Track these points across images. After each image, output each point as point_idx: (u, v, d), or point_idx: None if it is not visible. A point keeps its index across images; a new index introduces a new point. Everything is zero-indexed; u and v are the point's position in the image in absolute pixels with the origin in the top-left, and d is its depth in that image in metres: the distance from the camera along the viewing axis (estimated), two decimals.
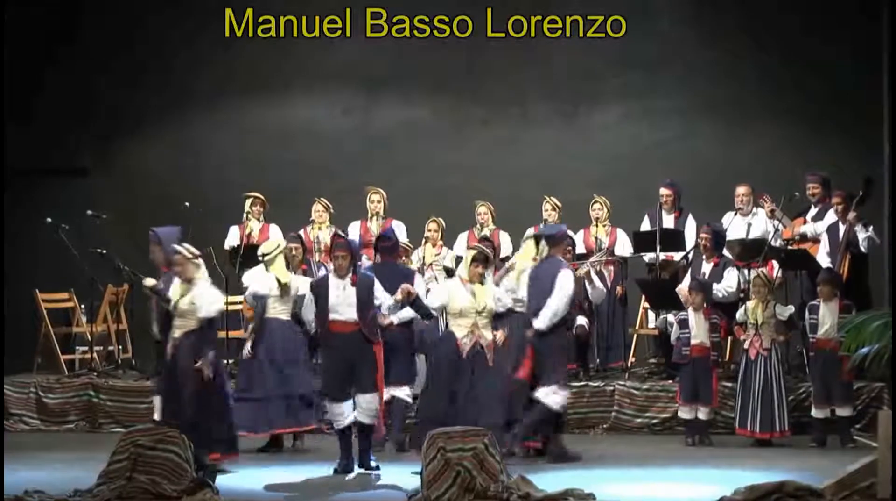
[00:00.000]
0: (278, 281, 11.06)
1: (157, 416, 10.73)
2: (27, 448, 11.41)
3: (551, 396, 10.67)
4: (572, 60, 14.95)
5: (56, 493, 9.07)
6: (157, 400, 10.83)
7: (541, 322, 10.66)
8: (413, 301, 10.32)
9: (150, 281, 10.58)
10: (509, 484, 8.85)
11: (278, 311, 11.12)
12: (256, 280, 11.21)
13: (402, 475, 9.98)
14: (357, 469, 10.31)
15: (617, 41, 14.59)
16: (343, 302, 10.21)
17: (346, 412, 10.29)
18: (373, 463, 10.34)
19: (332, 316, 10.23)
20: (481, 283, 10.40)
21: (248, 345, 11.10)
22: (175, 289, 10.28)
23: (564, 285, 10.72)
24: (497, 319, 10.52)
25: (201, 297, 10.18)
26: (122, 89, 15.11)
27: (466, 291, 10.36)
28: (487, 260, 10.53)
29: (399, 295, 10.25)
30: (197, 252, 10.39)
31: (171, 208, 13.47)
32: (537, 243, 11.06)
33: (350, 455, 10.34)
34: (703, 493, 9.06)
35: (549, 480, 9.36)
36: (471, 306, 10.31)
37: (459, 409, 10.08)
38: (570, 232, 12.96)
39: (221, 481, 9.51)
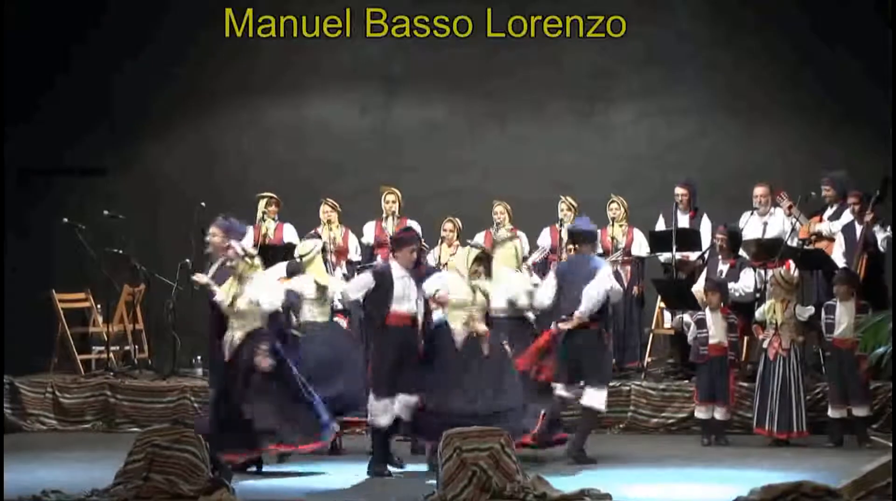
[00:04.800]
0: (316, 283, 10.95)
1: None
2: (44, 448, 11.44)
3: (597, 396, 10.78)
4: (588, 59, 14.92)
5: (73, 493, 9.09)
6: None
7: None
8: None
9: (200, 278, 10.15)
10: (525, 484, 8.84)
11: (315, 314, 10.98)
12: (294, 281, 10.90)
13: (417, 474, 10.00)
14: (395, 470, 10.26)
15: (632, 40, 14.56)
16: (405, 296, 10.20)
17: (390, 410, 10.12)
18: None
19: (394, 308, 10.16)
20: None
21: None
22: (227, 288, 9.98)
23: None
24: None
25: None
26: (139, 89, 15.10)
27: (467, 285, 10.29)
28: (489, 260, 10.53)
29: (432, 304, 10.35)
30: (253, 252, 10.26)
31: (187, 208, 13.53)
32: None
33: (385, 457, 10.21)
34: (720, 493, 9.04)
35: (564, 480, 9.36)
36: (469, 299, 10.25)
37: (470, 401, 10.01)
38: None
39: (237, 480, 9.52)
